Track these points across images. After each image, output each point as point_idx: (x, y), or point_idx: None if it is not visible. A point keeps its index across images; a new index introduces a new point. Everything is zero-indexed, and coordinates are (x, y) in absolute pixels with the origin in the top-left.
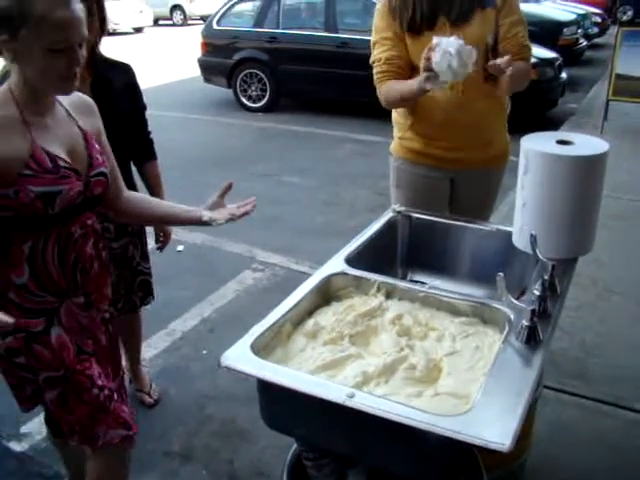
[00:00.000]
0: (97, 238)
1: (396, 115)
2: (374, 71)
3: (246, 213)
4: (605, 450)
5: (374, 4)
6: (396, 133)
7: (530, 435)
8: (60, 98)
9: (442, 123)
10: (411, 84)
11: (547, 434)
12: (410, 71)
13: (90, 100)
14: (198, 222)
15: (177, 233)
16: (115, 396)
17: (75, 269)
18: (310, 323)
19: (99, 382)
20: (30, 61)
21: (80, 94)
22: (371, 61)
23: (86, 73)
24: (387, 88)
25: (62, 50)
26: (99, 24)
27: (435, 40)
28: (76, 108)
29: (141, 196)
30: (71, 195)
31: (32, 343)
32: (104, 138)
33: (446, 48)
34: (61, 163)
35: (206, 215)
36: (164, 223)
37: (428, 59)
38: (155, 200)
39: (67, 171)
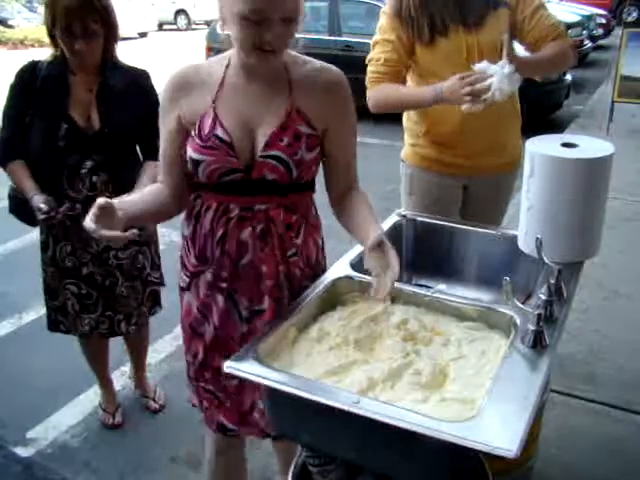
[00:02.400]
0: (271, 232)
1: (408, 121)
2: (370, 69)
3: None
4: (614, 455)
5: (378, 7)
6: (408, 140)
7: (537, 440)
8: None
9: (457, 130)
10: (421, 94)
11: (555, 439)
12: (405, 73)
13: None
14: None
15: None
16: None
17: (222, 245)
18: (315, 328)
19: None
20: (227, 24)
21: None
22: (368, 59)
23: (93, 78)
24: (381, 91)
25: (256, 22)
26: (108, 31)
27: (479, 67)
28: (311, 84)
29: (357, 200)
30: (214, 168)
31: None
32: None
33: (501, 74)
34: (218, 132)
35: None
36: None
37: (471, 84)
38: (360, 210)
39: (218, 142)
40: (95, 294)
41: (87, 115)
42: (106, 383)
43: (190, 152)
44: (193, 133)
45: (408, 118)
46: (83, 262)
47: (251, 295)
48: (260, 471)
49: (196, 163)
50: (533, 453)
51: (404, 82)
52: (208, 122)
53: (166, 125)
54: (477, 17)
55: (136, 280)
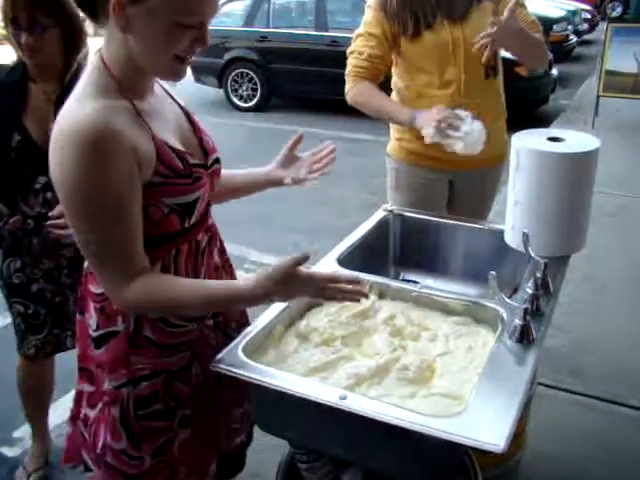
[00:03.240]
0: (220, 241)
1: None
2: (351, 62)
3: (327, 164)
4: (602, 447)
5: (364, 2)
6: (394, 134)
7: (525, 433)
8: None
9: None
10: (400, 112)
11: (543, 432)
12: (386, 71)
13: None
14: (279, 185)
15: None
16: None
17: None
18: (302, 324)
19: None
20: (147, 33)
21: None
22: (350, 50)
23: (54, 87)
24: (362, 90)
25: (191, 26)
26: (64, 27)
27: (459, 112)
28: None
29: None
30: (206, 200)
31: (173, 382)
32: None
33: (469, 129)
34: (191, 160)
35: (288, 178)
36: (245, 194)
37: (443, 122)
38: (228, 172)
39: (199, 169)
40: (43, 312)
41: (45, 127)
42: (39, 431)
43: (178, 199)
44: (161, 180)
45: None
46: (33, 279)
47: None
48: (250, 468)
49: (191, 206)
50: (521, 446)
51: (381, 80)
52: (171, 157)
53: (137, 196)
54: (462, 10)
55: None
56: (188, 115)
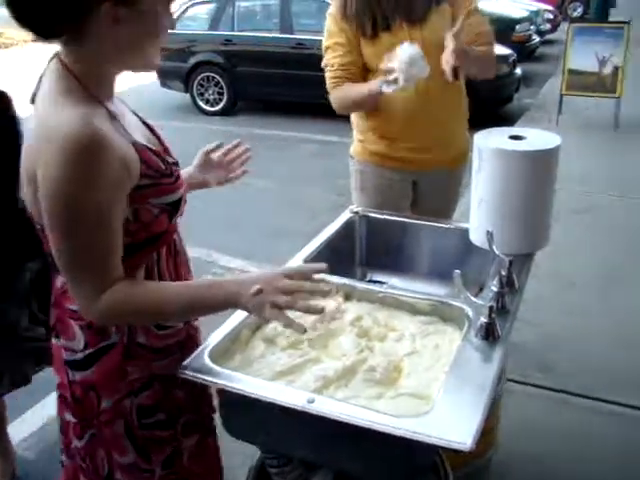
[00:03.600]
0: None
1: (355, 117)
2: (327, 75)
3: (244, 161)
4: (570, 441)
5: (329, 5)
6: (357, 135)
7: (496, 430)
8: None
9: (403, 124)
10: (361, 89)
11: (513, 427)
12: (364, 77)
13: None
14: (203, 187)
15: None
16: None
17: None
18: (269, 328)
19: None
20: (137, 23)
21: None
22: (323, 64)
23: None
24: (340, 93)
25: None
26: None
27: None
28: None
29: None
30: (185, 198)
31: (170, 389)
32: None
33: (401, 56)
34: (168, 159)
35: (211, 180)
36: None
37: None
38: None
39: (175, 167)
40: None
41: None
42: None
43: (166, 199)
44: (148, 181)
45: (356, 114)
46: None
47: None
48: None
49: (178, 204)
50: (492, 443)
51: (367, 76)
52: (152, 157)
53: (121, 206)
54: (421, 13)
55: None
56: (139, 117)
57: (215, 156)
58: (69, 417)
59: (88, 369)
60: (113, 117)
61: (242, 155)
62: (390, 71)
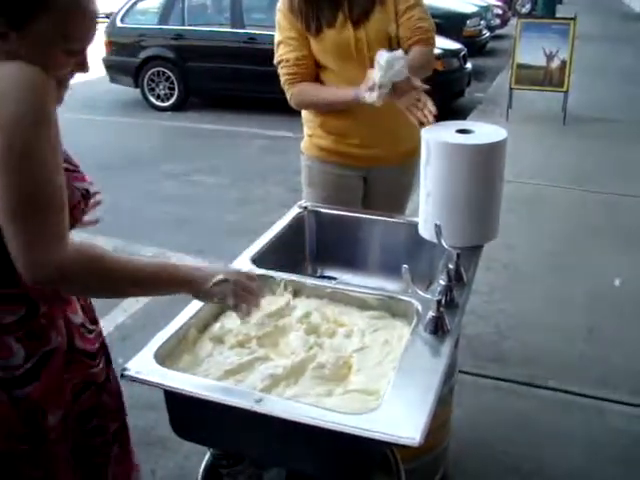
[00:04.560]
0: None
1: (305, 113)
2: (281, 71)
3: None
4: (521, 429)
5: None
6: (306, 131)
7: (449, 422)
8: None
9: (351, 121)
10: (344, 92)
11: (467, 418)
12: (316, 70)
13: None
14: None
15: (84, 238)
16: None
17: None
18: (216, 327)
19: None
20: (32, 59)
21: None
22: (276, 61)
23: None
24: (302, 92)
25: (76, 52)
26: None
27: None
28: None
29: None
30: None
31: (102, 395)
32: None
33: (379, 61)
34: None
35: None
36: None
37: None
38: None
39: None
40: None
41: None
42: None
43: (83, 184)
44: (69, 166)
45: (306, 110)
46: None
47: None
48: (173, 475)
49: (89, 193)
50: (446, 435)
51: (319, 71)
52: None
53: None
54: (363, 10)
55: None
56: None
57: None
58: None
59: (30, 384)
60: None
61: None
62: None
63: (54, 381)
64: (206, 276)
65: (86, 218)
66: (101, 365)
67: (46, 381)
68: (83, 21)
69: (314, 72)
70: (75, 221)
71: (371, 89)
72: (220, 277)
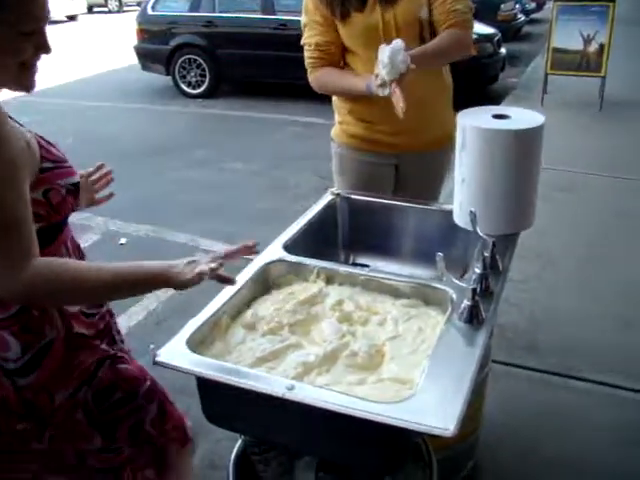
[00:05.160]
0: None
1: (336, 99)
2: (306, 54)
3: (108, 182)
4: (556, 420)
5: None
6: (337, 118)
7: (481, 413)
8: None
9: (381, 107)
10: (357, 83)
11: (499, 409)
12: (342, 55)
13: None
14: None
15: (118, 225)
16: None
17: None
18: (248, 314)
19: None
20: None
21: None
22: (302, 42)
23: None
24: (322, 77)
25: (32, 33)
26: None
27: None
28: None
29: None
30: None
31: (117, 366)
32: None
33: (382, 58)
34: (61, 152)
35: (81, 205)
36: None
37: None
38: None
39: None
40: None
41: None
42: None
43: (70, 179)
44: (51, 165)
45: (336, 96)
46: None
47: None
48: (205, 459)
49: (78, 186)
50: (477, 426)
51: (346, 55)
52: (49, 146)
53: (27, 180)
54: None
55: None
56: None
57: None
58: (20, 426)
59: (33, 372)
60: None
61: (105, 177)
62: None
63: (58, 367)
64: (175, 263)
65: (97, 196)
66: (105, 341)
67: (50, 368)
68: (33, 0)
69: (338, 57)
70: (64, 214)
71: (382, 86)
72: (188, 259)
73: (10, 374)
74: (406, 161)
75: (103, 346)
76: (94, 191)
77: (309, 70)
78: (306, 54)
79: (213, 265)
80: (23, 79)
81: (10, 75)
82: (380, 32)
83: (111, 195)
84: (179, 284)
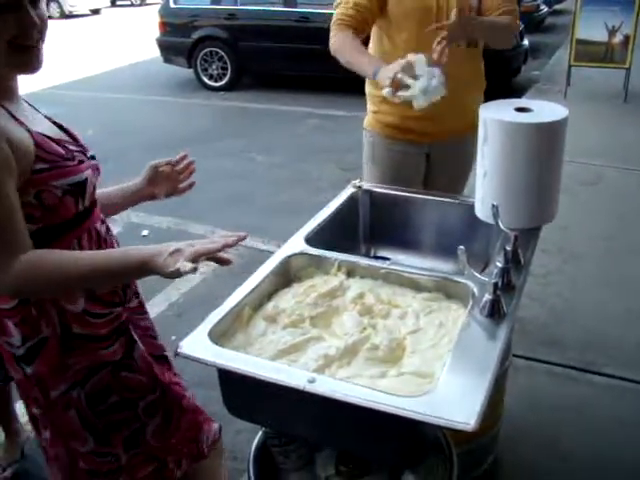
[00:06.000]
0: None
1: (369, 87)
2: (337, 11)
3: (191, 172)
4: (576, 415)
5: None
6: (370, 107)
7: (501, 407)
8: None
9: None
10: (366, 64)
11: (519, 403)
12: (372, 22)
13: None
14: (152, 199)
15: (140, 217)
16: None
17: None
18: (270, 306)
19: (182, 382)
20: None
21: None
22: (336, 3)
23: None
24: (345, 40)
25: (5, 5)
26: None
27: (412, 57)
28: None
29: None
30: (94, 182)
31: (120, 373)
32: None
33: (420, 74)
34: (70, 146)
35: (161, 194)
36: (121, 210)
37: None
38: (101, 192)
39: (79, 154)
40: None
41: None
42: (7, 427)
43: (70, 179)
44: (47, 165)
45: (369, 83)
46: None
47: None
48: (227, 451)
49: (82, 186)
50: (498, 419)
51: (367, 32)
52: (51, 145)
53: (13, 183)
54: None
55: None
56: (60, 125)
57: (163, 169)
58: (36, 411)
59: (32, 364)
60: (9, 113)
61: (189, 166)
62: (404, 85)
63: (52, 364)
64: (159, 249)
65: (181, 186)
66: (116, 345)
67: (45, 363)
68: None
69: (366, 27)
70: (64, 216)
71: (400, 90)
72: (173, 247)
73: (19, 360)
74: (438, 149)
75: (110, 350)
76: (179, 181)
77: (334, 26)
78: (338, 10)
79: (188, 268)
80: (17, 59)
81: (6, 56)
82: (433, 14)
83: (193, 184)
84: (162, 274)
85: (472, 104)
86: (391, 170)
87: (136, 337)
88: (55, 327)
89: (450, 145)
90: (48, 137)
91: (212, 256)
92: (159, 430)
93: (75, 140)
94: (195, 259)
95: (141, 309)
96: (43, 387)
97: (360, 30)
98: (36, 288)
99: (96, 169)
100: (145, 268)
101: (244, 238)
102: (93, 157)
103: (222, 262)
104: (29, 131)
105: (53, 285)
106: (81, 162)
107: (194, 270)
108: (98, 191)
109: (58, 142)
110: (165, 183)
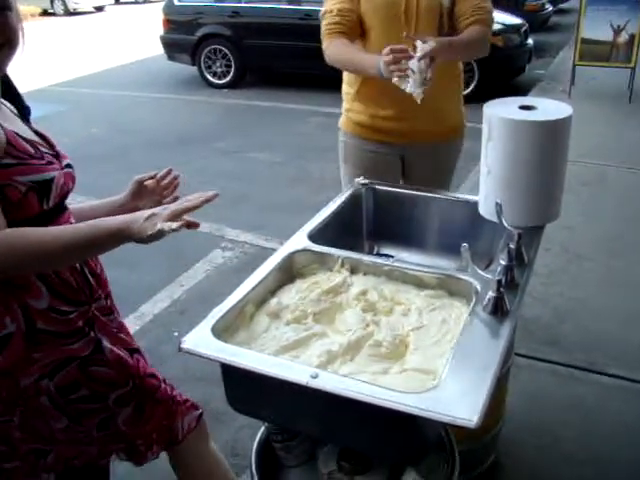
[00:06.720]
0: None
1: (345, 85)
2: (325, 22)
3: (176, 187)
4: (578, 415)
5: None
6: (344, 105)
7: (503, 405)
8: None
9: (389, 87)
10: (367, 61)
11: (521, 402)
12: (360, 27)
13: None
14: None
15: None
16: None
17: (84, 271)
18: (273, 302)
19: (158, 374)
20: None
21: None
22: (322, 12)
23: None
24: (337, 46)
25: None
26: None
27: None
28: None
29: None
30: (62, 184)
31: (88, 368)
32: None
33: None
34: (41, 148)
35: (145, 209)
36: None
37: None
38: (87, 205)
39: (50, 157)
40: None
41: None
42: None
43: (34, 177)
44: (14, 161)
45: (345, 81)
46: None
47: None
48: (227, 447)
49: (48, 185)
50: (500, 418)
51: (357, 34)
52: (22, 143)
53: None
54: None
55: None
56: (39, 133)
57: (148, 184)
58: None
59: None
60: None
61: (174, 182)
62: (405, 68)
63: (17, 358)
64: (133, 216)
65: (165, 201)
66: (82, 342)
67: (10, 357)
68: None
69: (356, 29)
70: (30, 212)
71: (411, 79)
72: (148, 212)
73: None
74: (412, 153)
75: (76, 345)
76: (163, 196)
77: (325, 37)
78: (325, 21)
79: (174, 226)
80: None
81: None
82: (402, 13)
83: (176, 198)
84: (140, 239)
85: (450, 109)
86: (361, 169)
87: (105, 332)
88: (20, 323)
89: (424, 149)
90: (21, 136)
91: (183, 222)
92: (130, 420)
93: (51, 146)
94: (173, 219)
95: (110, 311)
96: (12, 379)
97: (351, 35)
98: (10, 266)
99: (70, 177)
100: (121, 235)
101: (216, 195)
102: (69, 166)
103: (191, 226)
104: (1, 126)
105: (33, 258)
106: (50, 163)
107: (178, 228)
108: (83, 204)
109: (31, 143)
110: (149, 197)
